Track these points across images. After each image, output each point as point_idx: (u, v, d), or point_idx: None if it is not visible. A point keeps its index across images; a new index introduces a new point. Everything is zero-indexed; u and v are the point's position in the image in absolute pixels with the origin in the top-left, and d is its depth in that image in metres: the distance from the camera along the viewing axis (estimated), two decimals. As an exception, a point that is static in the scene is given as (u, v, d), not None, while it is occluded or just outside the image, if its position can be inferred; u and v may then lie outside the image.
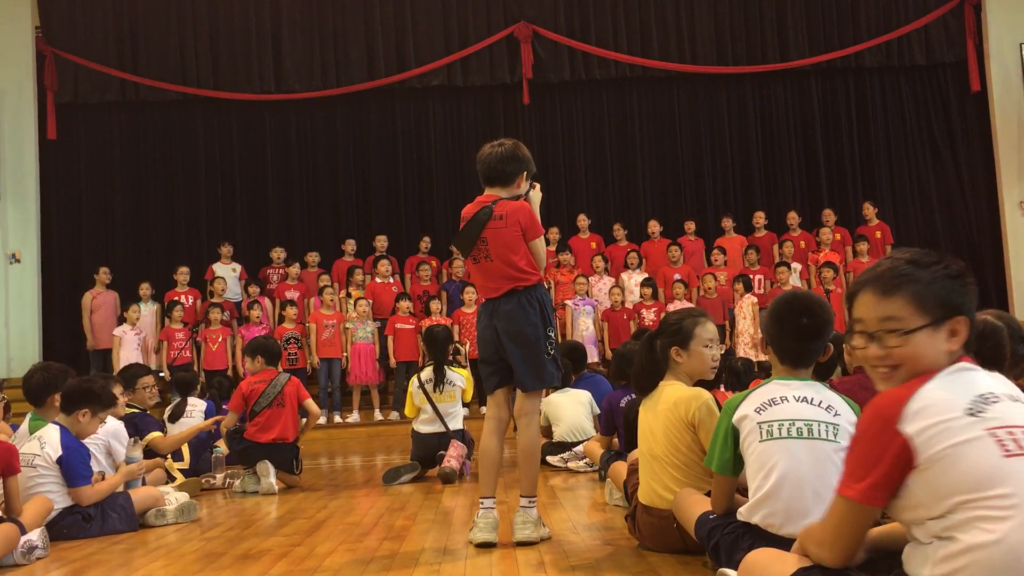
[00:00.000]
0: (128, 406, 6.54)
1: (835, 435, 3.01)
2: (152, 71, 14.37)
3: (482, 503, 4.23)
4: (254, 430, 6.68)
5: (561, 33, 14.58)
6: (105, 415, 5.33)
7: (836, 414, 3.07)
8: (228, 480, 6.96)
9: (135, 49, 14.44)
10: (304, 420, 7.01)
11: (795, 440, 3.00)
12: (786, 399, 3.08)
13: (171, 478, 6.78)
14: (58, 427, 5.07)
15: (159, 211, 14.49)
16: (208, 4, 14.46)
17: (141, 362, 10.49)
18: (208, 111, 14.66)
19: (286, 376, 7.01)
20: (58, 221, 14.28)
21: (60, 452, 4.94)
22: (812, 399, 3.09)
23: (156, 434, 6.89)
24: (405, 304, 12.07)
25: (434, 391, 6.95)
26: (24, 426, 5.28)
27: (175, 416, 7.47)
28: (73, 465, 4.97)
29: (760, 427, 3.05)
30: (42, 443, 4.98)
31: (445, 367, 7.04)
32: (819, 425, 3.01)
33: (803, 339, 3.16)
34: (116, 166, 14.49)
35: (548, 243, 12.84)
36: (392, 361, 11.96)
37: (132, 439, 5.80)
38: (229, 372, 11.72)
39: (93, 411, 5.17)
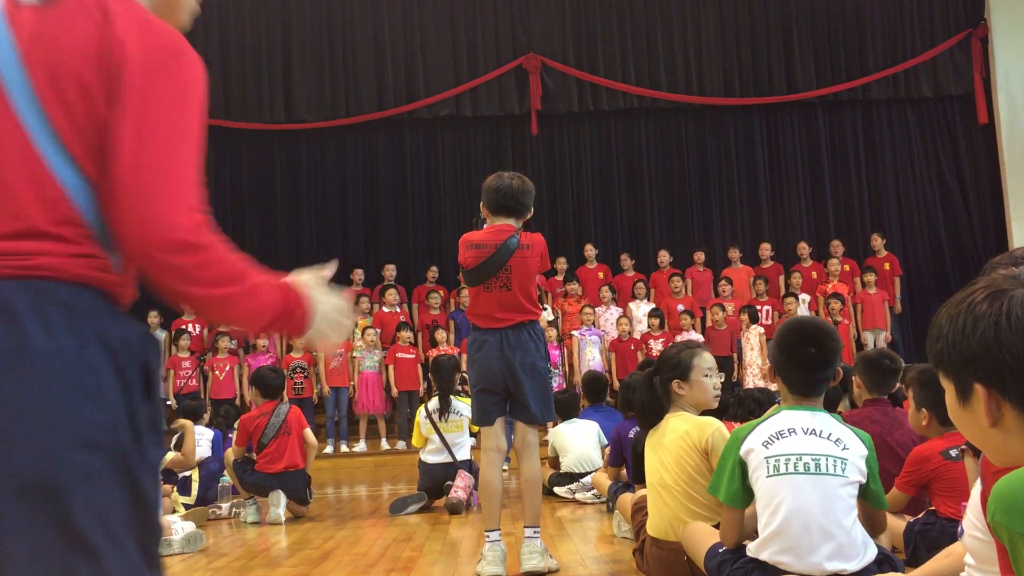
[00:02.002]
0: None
1: (843, 470, 2.99)
2: (163, 101, 14.44)
3: (488, 536, 4.21)
4: (264, 462, 6.67)
5: (569, 64, 14.65)
6: None
7: (845, 448, 3.04)
8: (234, 510, 6.94)
9: (147, 79, 14.52)
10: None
11: (802, 476, 2.98)
12: (794, 431, 3.06)
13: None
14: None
15: (168, 239, 14.49)
16: (219, 34, 14.56)
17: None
18: (218, 141, 14.67)
19: (287, 405, 7.03)
20: (68, 249, 14.29)
21: None
22: (821, 431, 3.07)
23: (172, 454, 6.91)
24: (405, 334, 12.06)
25: (440, 420, 6.93)
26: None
27: (180, 445, 7.45)
28: None
29: (767, 461, 3.03)
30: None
31: (451, 397, 7.02)
32: (827, 460, 2.99)
33: (812, 369, 3.13)
34: (126, 195, 14.53)
35: (555, 273, 12.98)
36: (394, 391, 11.94)
37: None
38: (237, 401, 11.69)
39: None
